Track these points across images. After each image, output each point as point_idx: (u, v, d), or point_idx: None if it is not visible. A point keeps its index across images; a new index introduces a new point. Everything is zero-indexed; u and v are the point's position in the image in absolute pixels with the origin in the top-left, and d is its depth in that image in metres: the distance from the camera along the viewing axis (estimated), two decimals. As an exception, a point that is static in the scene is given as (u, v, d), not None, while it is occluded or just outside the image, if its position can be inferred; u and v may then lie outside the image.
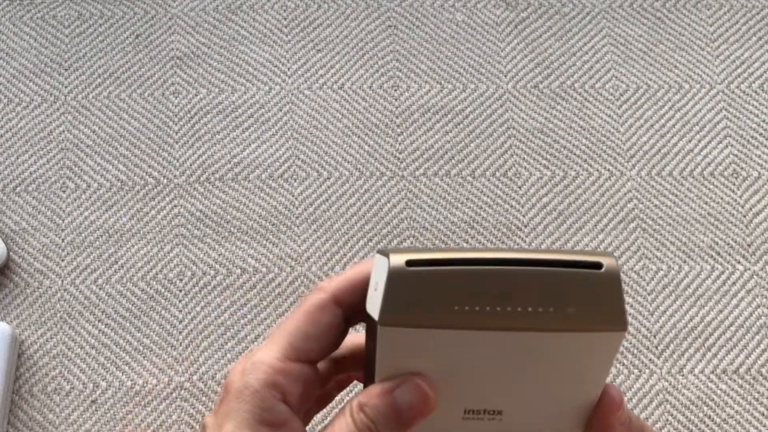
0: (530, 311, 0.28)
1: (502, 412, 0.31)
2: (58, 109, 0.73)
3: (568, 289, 0.28)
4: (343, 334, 0.33)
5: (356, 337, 0.36)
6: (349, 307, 0.32)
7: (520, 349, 0.29)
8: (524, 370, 0.30)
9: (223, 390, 0.32)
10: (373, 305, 0.29)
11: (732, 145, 0.73)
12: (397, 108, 0.74)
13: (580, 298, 0.28)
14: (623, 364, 0.67)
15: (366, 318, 0.31)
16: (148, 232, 0.70)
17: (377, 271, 0.30)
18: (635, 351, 0.67)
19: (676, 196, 0.71)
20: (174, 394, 0.66)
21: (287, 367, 0.31)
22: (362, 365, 0.36)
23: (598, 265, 0.28)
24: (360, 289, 0.32)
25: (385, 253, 0.29)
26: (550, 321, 0.28)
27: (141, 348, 0.67)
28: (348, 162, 0.72)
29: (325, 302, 0.32)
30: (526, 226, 0.70)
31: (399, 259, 0.28)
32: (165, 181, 0.71)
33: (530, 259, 0.28)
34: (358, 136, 0.73)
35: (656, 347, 0.67)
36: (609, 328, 0.28)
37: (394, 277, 0.28)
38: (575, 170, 0.72)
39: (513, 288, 0.28)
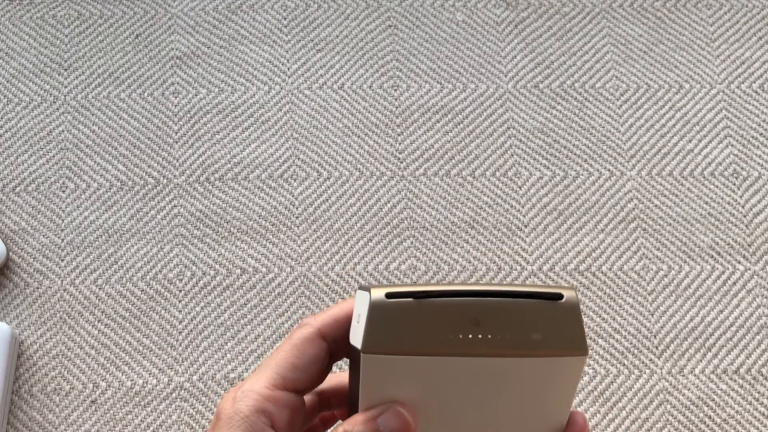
0: (499, 338, 0.31)
1: None
2: (57, 109, 0.73)
3: (532, 318, 0.31)
4: (328, 366, 0.36)
5: (340, 375, 0.39)
6: (334, 340, 0.34)
7: (491, 375, 0.31)
8: (496, 397, 0.32)
9: (214, 418, 0.34)
10: (356, 336, 0.32)
11: (732, 145, 0.73)
12: (397, 108, 0.74)
13: (543, 325, 0.31)
14: (623, 365, 0.67)
15: (349, 351, 0.34)
16: (148, 232, 0.70)
17: (359, 305, 0.32)
18: (635, 351, 0.67)
19: (676, 196, 0.71)
20: (174, 394, 0.65)
21: (275, 395, 0.33)
22: (346, 402, 0.38)
23: (558, 296, 0.31)
24: (343, 323, 0.34)
25: (366, 288, 0.32)
26: (517, 347, 0.31)
27: (141, 348, 0.67)
28: (348, 162, 0.72)
29: (311, 335, 0.34)
30: (526, 226, 0.70)
31: (379, 293, 0.31)
32: (165, 181, 0.71)
33: (498, 291, 0.31)
34: (358, 136, 0.73)
35: (656, 347, 0.67)
36: (571, 353, 0.31)
37: (376, 308, 0.31)
38: (575, 170, 0.72)
39: (482, 317, 0.31)
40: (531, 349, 0.31)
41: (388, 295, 0.31)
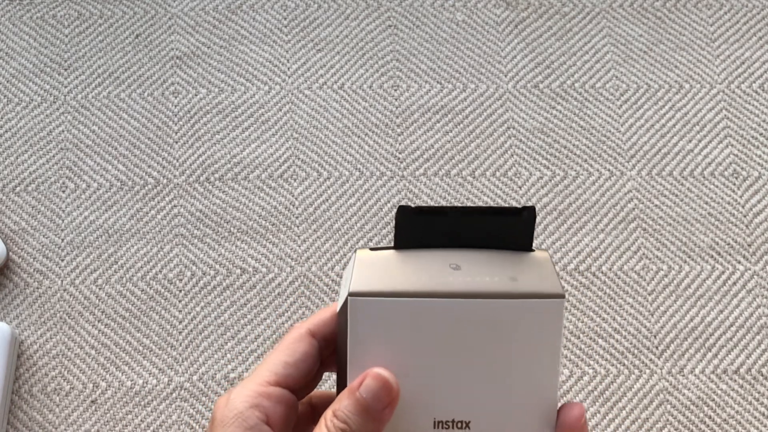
0: (479, 280, 0.32)
1: (470, 424, 0.33)
2: (57, 109, 0.73)
3: (509, 264, 0.33)
4: (320, 371, 0.36)
5: (331, 392, 0.39)
6: (324, 338, 0.35)
7: (474, 321, 0.32)
8: (481, 348, 0.33)
9: (209, 422, 0.34)
10: (344, 293, 0.33)
11: (732, 145, 0.73)
12: (397, 108, 0.74)
13: (520, 271, 0.33)
14: (623, 365, 0.67)
15: (338, 327, 0.34)
16: (148, 232, 0.70)
17: (346, 273, 0.34)
18: (635, 351, 0.67)
19: (676, 196, 0.71)
20: (174, 394, 0.65)
21: (269, 391, 0.34)
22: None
23: (529, 249, 0.34)
24: (330, 322, 0.35)
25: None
26: (497, 288, 0.32)
27: (141, 348, 0.67)
28: (348, 162, 0.72)
29: (300, 335, 0.35)
30: (526, 226, 0.70)
31: (364, 249, 0.34)
32: (165, 181, 0.71)
33: (474, 242, 0.33)
34: (358, 136, 0.73)
35: (656, 347, 0.67)
36: (548, 296, 0.32)
37: (362, 259, 0.33)
38: (575, 170, 0.72)
39: (462, 263, 0.33)
40: (510, 291, 0.32)
41: (372, 249, 0.34)
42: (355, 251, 0.33)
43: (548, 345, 0.33)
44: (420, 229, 0.33)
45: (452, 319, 0.32)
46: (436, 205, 0.33)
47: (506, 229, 0.33)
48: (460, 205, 0.33)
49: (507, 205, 0.34)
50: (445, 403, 0.33)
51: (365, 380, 0.32)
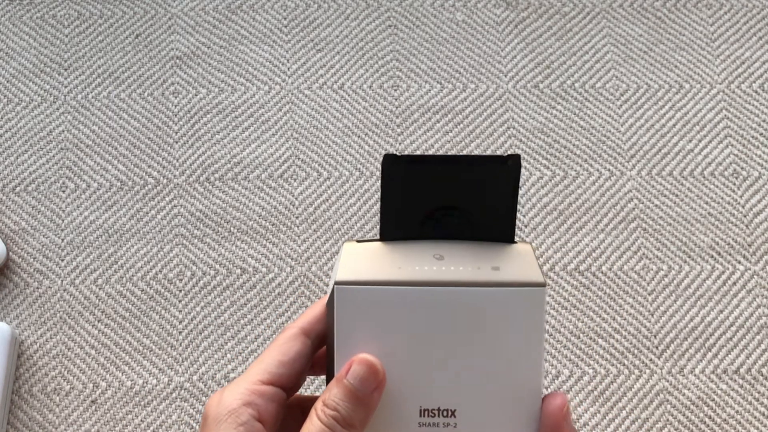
0: (462, 270, 0.33)
1: (455, 412, 0.33)
2: (57, 109, 0.73)
3: (492, 255, 0.34)
4: (312, 370, 0.37)
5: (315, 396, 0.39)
6: (317, 337, 0.36)
7: (458, 309, 0.33)
8: (466, 336, 0.33)
9: (202, 419, 0.34)
10: (332, 284, 0.34)
11: (732, 145, 0.73)
12: (397, 108, 0.74)
13: (502, 260, 0.34)
14: (623, 365, 0.67)
15: (327, 317, 0.35)
16: (148, 232, 0.70)
17: (335, 264, 0.35)
18: (635, 351, 0.67)
19: (676, 196, 0.71)
20: (174, 394, 0.65)
21: (262, 389, 0.34)
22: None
23: (511, 240, 0.35)
24: (322, 319, 0.36)
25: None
26: (480, 277, 0.33)
27: (141, 348, 0.67)
28: (348, 162, 0.72)
29: (294, 334, 0.35)
30: (526, 226, 0.70)
31: (351, 241, 0.35)
32: (165, 181, 0.71)
33: (456, 233, 0.34)
34: (358, 136, 0.73)
35: (656, 347, 0.67)
36: (530, 284, 0.33)
37: (348, 250, 0.34)
38: (575, 170, 0.72)
39: (446, 254, 0.34)
40: (493, 280, 0.33)
41: (359, 241, 0.34)
42: (342, 243, 0.34)
43: (531, 333, 0.33)
44: (406, 177, 0.33)
45: (436, 307, 0.33)
46: (422, 153, 0.34)
47: (492, 178, 0.34)
48: (444, 153, 0.33)
49: (492, 154, 0.34)
50: (430, 392, 0.33)
51: (351, 367, 0.32)
